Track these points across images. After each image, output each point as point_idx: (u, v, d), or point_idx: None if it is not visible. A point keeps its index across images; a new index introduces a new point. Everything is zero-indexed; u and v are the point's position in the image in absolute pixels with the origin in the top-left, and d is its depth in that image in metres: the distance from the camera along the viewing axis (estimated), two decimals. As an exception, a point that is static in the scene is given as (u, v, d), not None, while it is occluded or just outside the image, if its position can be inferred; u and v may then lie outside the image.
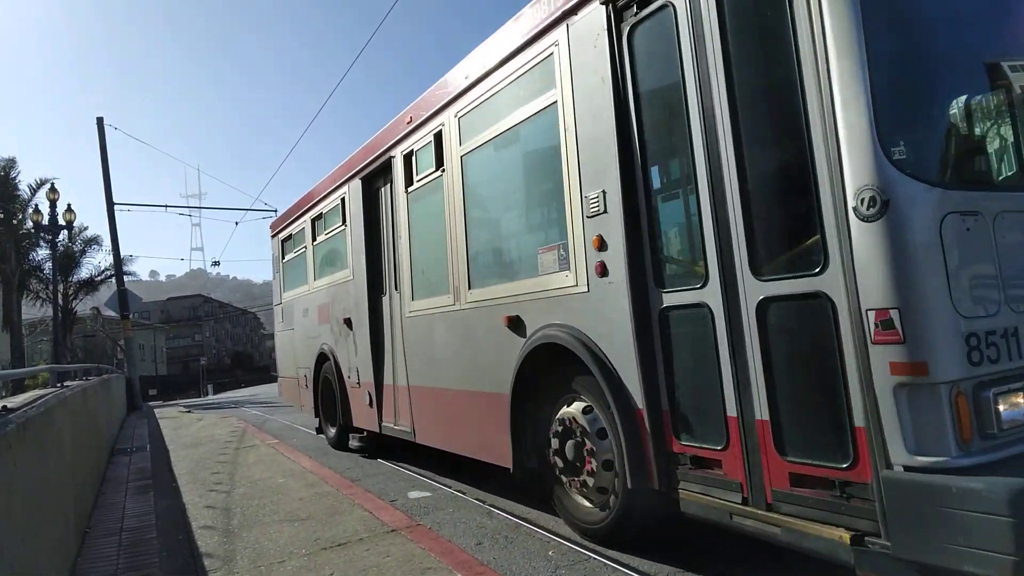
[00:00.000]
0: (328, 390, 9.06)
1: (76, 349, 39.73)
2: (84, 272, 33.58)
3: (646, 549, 4.19)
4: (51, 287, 25.58)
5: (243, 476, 7.48)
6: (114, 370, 20.70)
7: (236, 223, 25.83)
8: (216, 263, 33.08)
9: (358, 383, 7.78)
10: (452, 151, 5.70)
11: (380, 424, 7.32)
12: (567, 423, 4.40)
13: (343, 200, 8.26)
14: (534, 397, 4.79)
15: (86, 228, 32.98)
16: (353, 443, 8.63)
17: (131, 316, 21.44)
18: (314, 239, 9.58)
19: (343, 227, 8.28)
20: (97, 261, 42.58)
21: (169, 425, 14.55)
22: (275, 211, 26.46)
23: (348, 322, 7.94)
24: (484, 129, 5.28)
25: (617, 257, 3.85)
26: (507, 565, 4.09)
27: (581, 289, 4.15)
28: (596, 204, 4.00)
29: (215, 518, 5.70)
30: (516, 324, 4.78)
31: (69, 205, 21.29)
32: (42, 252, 29.95)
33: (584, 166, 4.14)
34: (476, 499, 5.71)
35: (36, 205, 25.95)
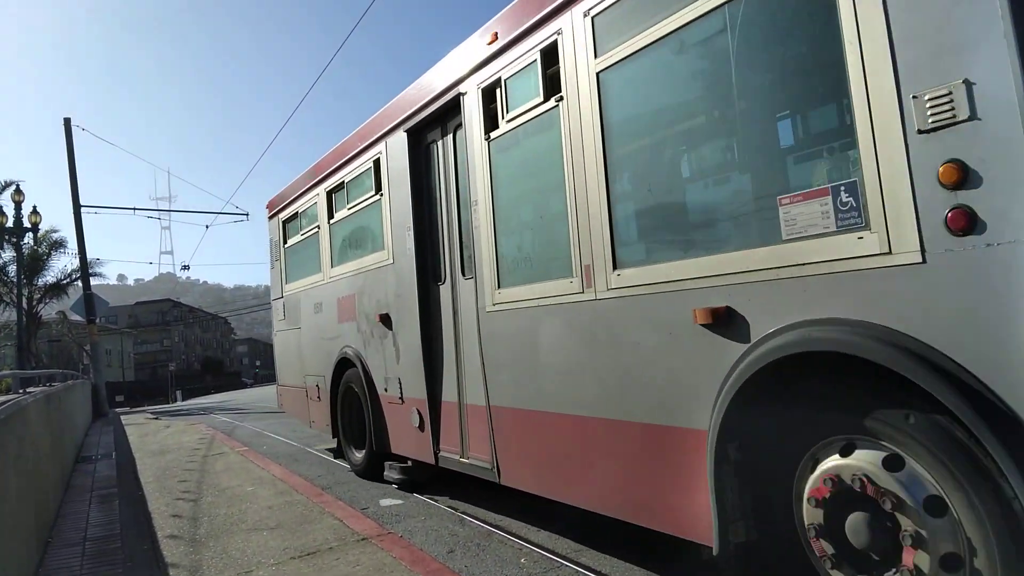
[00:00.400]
0: (353, 404, 7.19)
1: (41, 354, 38.73)
2: (50, 276, 32.94)
3: (625, 554, 4.21)
4: (15, 291, 25.05)
5: (211, 484, 7.14)
6: (79, 376, 20.05)
7: (207, 226, 25.26)
8: (186, 267, 31.84)
9: (400, 398, 6.00)
10: (578, 68, 3.85)
11: (436, 454, 5.51)
12: (853, 483, 2.60)
13: (377, 162, 6.37)
14: (746, 435, 2.97)
15: (58, 231, 32.03)
16: (391, 475, 6.45)
17: (98, 320, 20.71)
18: (331, 216, 7.55)
19: (377, 197, 6.39)
20: (63, 264, 41.79)
21: (136, 432, 13.80)
22: (246, 215, 25.67)
23: (385, 319, 6.13)
24: (650, 24, 3.39)
25: (1016, 195, 2.10)
26: (479, 573, 3.98)
27: (902, 259, 2.41)
28: (946, 107, 2.25)
29: (181, 527, 5.43)
30: (725, 321, 3.01)
31: (35, 207, 20.83)
32: (6, 255, 29.41)
33: (907, 46, 2.35)
34: (448, 506, 5.54)
35: (0, 207, 25.56)
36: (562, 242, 4.04)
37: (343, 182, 7.20)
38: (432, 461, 5.61)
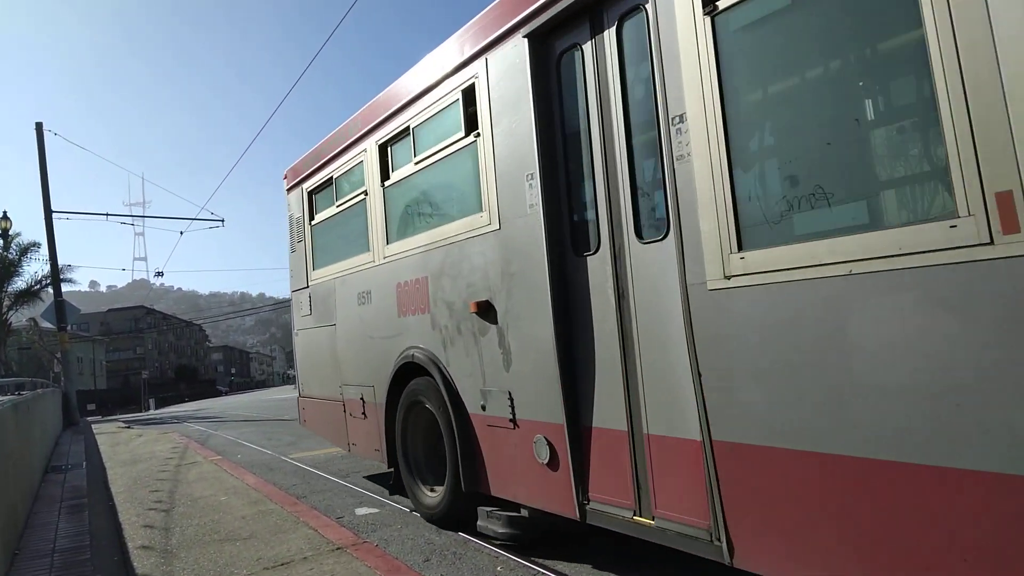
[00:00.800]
0: (422, 425, 5.46)
1: (10, 362, 38.06)
2: (21, 282, 32.42)
3: (600, 562, 4.20)
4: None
5: (183, 494, 6.98)
6: (50, 384, 19.79)
7: (181, 233, 24.92)
8: (160, 273, 31.68)
9: (511, 420, 4.27)
10: None
11: (582, 505, 3.77)
12: None
13: (469, 91, 4.64)
14: None
15: (19, 234, 31.61)
16: (491, 526, 4.58)
17: (69, 328, 20.56)
18: (386, 177, 5.75)
19: (468, 140, 4.66)
20: (34, 270, 41.21)
21: (107, 441, 13.57)
22: (222, 221, 25.46)
23: (485, 309, 4.45)
24: None
25: None
26: (454, 582, 3.90)
27: None
28: None
29: (153, 538, 5.32)
30: None
31: (4, 213, 20.60)
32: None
33: None
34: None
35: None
36: (926, 158, 2.43)
37: (407, 127, 5.38)
38: (572, 514, 3.83)
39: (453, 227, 4.83)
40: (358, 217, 6.24)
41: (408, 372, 5.42)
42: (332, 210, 6.83)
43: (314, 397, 7.51)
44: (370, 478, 7.25)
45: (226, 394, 68.56)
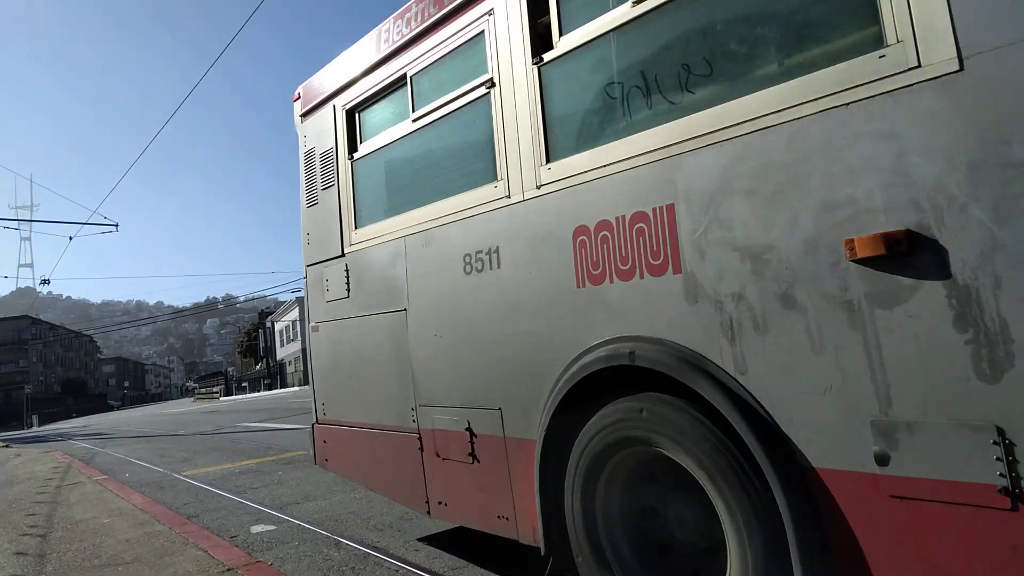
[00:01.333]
0: (626, 480, 2.93)
1: None
2: None
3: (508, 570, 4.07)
4: None
5: (63, 517, 6.60)
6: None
7: (70, 238, 23.71)
8: (46, 281, 30.22)
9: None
10: None
11: None
12: None
13: None
14: None
15: None
16: None
17: (-61, 340, 19.29)
18: (544, 46, 3.25)
19: None
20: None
21: (-19, 462, 13.04)
22: (115, 226, 24.22)
23: (903, 250, 1.93)
24: None
25: None
26: (353, 599, 3.81)
27: None
28: None
29: (26, 566, 4.94)
30: None
31: None
32: None
33: None
34: (325, 530, 5.18)
35: None
36: None
37: None
38: None
39: (764, 99, 2.36)
40: (469, 129, 3.85)
41: (595, 389, 2.97)
42: (403, 128, 4.27)
43: (350, 425, 4.81)
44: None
45: (118, 409, 65.13)
